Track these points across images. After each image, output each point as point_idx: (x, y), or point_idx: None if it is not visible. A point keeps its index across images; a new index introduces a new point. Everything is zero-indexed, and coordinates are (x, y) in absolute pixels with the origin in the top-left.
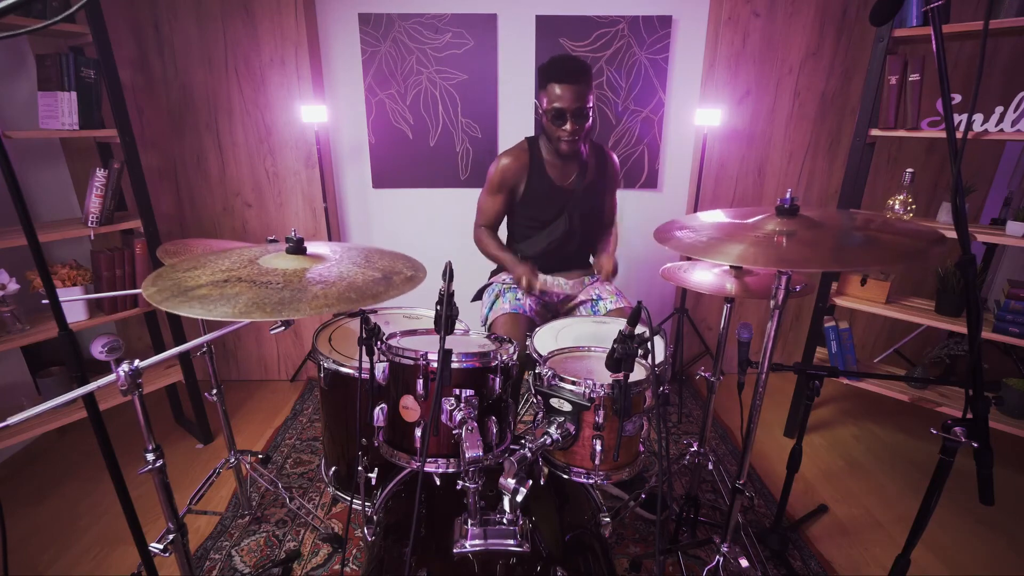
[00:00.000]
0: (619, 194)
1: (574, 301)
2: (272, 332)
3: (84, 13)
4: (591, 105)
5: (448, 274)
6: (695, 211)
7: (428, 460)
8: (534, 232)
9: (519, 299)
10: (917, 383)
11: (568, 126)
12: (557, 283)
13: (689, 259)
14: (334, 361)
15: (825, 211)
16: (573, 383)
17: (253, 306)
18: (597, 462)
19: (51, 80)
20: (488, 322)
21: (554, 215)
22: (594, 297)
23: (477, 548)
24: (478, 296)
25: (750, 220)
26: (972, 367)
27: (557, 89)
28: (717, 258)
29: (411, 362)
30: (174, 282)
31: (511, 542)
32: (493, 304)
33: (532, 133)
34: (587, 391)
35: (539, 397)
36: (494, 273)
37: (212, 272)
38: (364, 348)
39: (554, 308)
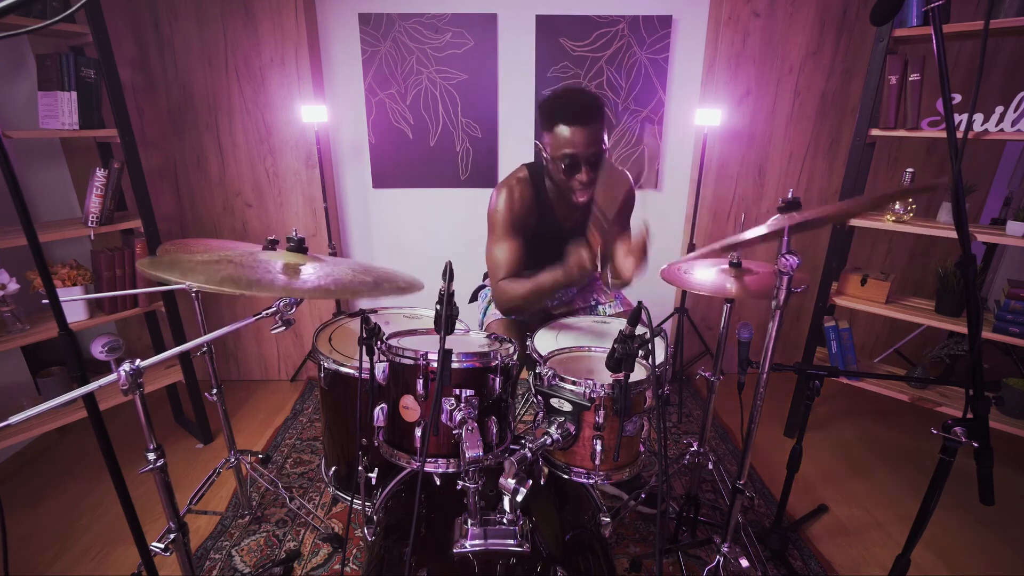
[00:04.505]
0: None
1: (569, 307)
2: (272, 332)
3: (84, 13)
4: (607, 145)
5: (448, 274)
6: (695, 211)
7: (428, 460)
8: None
9: None
10: (917, 383)
11: (584, 176)
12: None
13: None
14: (334, 361)
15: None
16: (573, 383)
17: (227, 279)
18: (597, 462)
19: (51, 80)
20: (483, 327)
21: (553, 257)
22: (592, 303)
23: (477, 548)
24: (474, 297)
25: (765, 225)
26: (972, 367)
27: (567, 132)
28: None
29: (411, 362)
30: (173, 258)
31: (511, 542)
32: (487, 309)
33: (532, 133)
34: (587, 391)
35: (539, 397)
36: None
37: (211, 256)
38: (364, 348)
39: (547, 311)
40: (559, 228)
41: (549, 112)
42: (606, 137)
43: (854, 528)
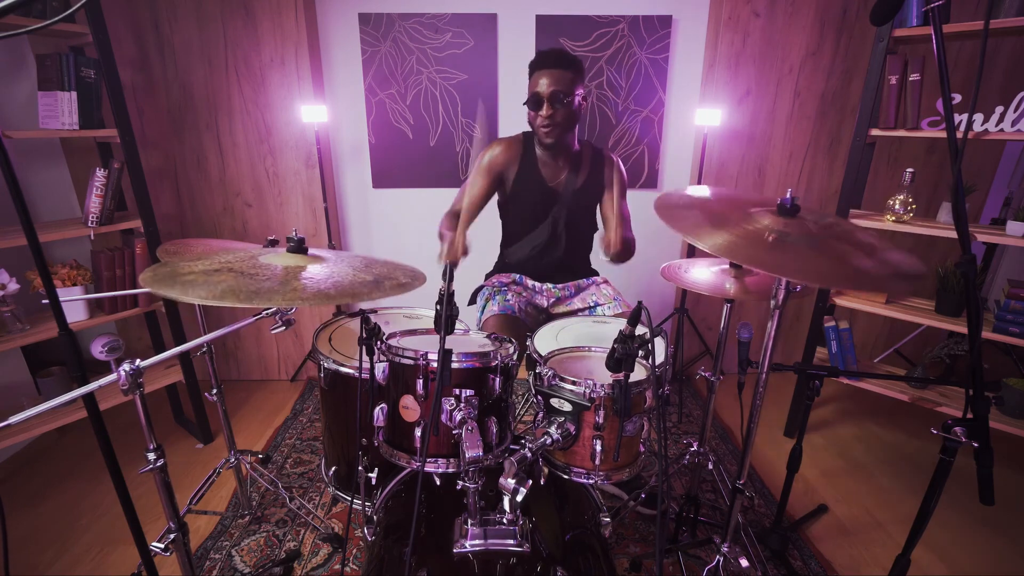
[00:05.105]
0: None
1: (567, 307)
2: (273, 332)
3: (84, 13)
4: (577, 96)
5: (448, 274)
6: None
7: (428, 460)
8: (520, 235)
9: (508, 301)
10: (917, 383)
11: (544, 110)
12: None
13: (691, 255)
14: (334, 361)
15: (831, 222)
16: (573, 383)
17: (229, 292)
18: (597, 462)
19: (51, 80)
20: (480, 325)
21: (540, 217)
22: (591, 304)
23: (477, 548)
24: (472, 300)
25: (750, 210)
26: (972, 367)
27: (535, 76)
28: (697, 240)
29: (411, 362)
30: (171, 269)
31: (511, 542)
32: (484, 307)
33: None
34: (587, 391)
35: (539, 397)
36: (488, 276)
37: (210, 263)
38: (364, 348)
39: (545, 312)
40: (544, 185)
41: (530, 67)
42: (578, 90)
43: (854, 528)
